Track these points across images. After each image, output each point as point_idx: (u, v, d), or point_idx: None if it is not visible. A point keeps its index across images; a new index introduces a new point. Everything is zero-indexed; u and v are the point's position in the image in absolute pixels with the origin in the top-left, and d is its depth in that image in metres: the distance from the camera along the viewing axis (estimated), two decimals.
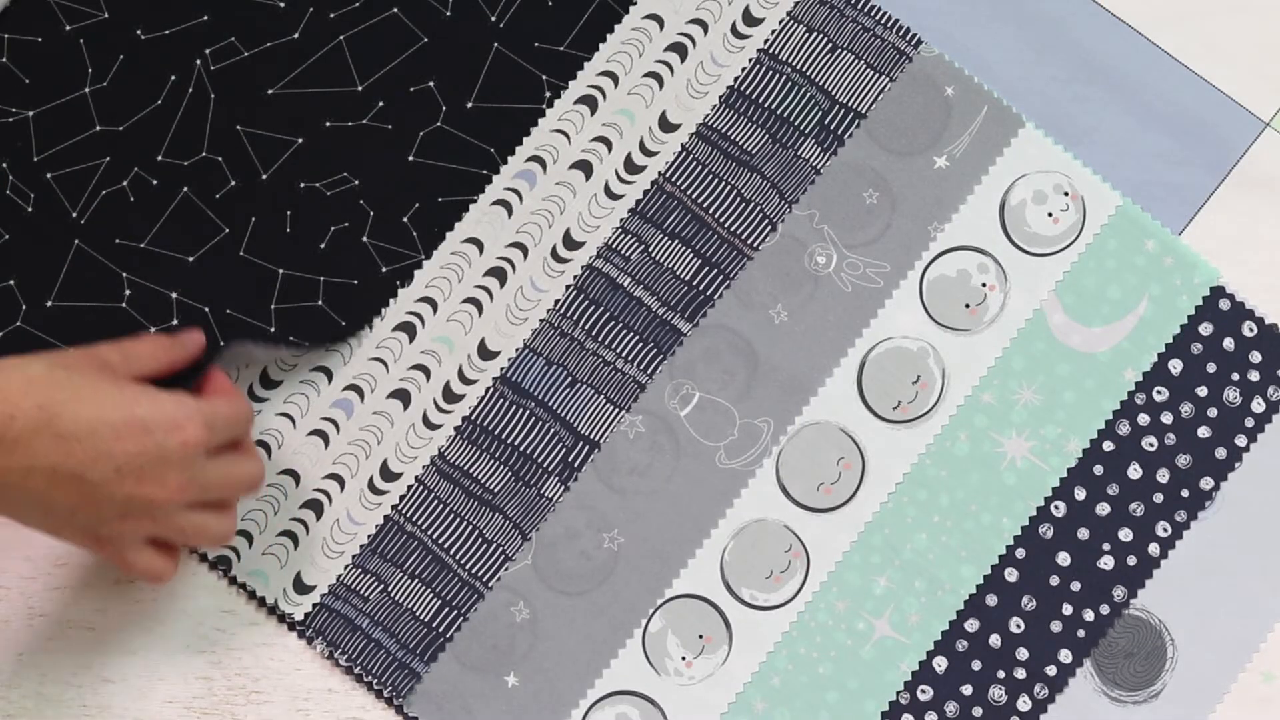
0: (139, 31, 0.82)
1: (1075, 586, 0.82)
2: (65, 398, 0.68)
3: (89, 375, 0.70)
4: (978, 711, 0.81)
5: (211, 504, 0.73)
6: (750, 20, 0.84)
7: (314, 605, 0.81)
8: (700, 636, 0.82)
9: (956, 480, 0.82)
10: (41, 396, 0.67)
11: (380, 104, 0.83)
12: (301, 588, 0.81)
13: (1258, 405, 0.83)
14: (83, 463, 0.68)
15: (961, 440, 0.82)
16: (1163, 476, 0.82)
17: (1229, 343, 0.83)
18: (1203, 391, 0.83)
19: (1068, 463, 0.82)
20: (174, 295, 0.82)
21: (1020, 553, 0.82)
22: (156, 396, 0.70)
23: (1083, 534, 0.82)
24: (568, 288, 0.83)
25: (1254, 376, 0.83)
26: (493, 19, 0.83)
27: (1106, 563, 0.82)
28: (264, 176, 0.82)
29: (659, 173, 0.84)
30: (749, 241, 0.83)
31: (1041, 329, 0.83)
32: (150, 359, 0.74)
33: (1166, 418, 0.83)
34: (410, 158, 0.83)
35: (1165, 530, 0.82)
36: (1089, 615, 0.82)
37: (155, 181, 0.82)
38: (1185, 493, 0.82)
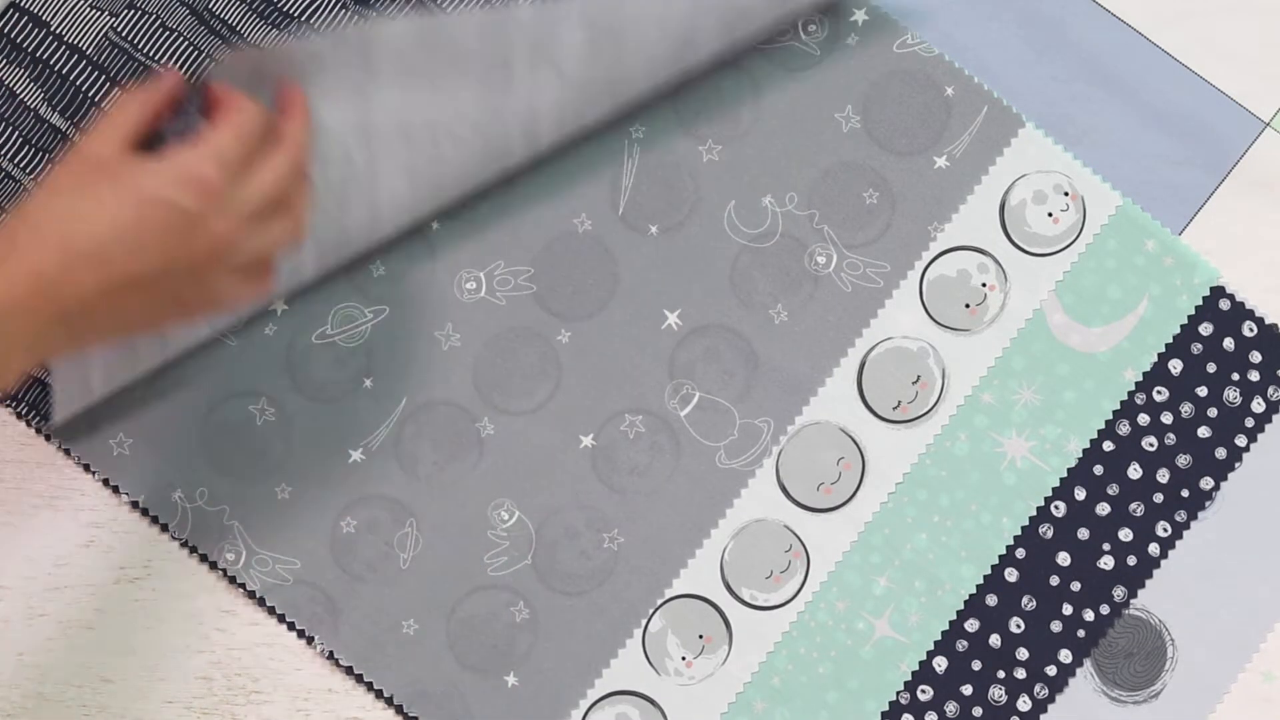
0: None
1: (1075, 586, 0.82)
2: (74, 223, 0.67)
3: (81, 187, 0.68)
4: (978, 711, 0.81)
5: (268, 208, 0.71)
6: None
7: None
8: (700, 636, 0.82)
9: (956, 480, 0.82)
10: (52, 236, 0.67)
11: None
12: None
13: (1258, 405, 0.83)
14: (125, 271, 0.67)
15: (961, 440, 0.82)
16: (1163, 476, 0.82)
17: (1229, 343, 0.83)
18: (1203, 391, 0.83)
19: (1068, 463, 0.82)
20: None
21: (1020, 553, 0.82)
22: (154, 167, 0.69)
23: (1083, 534, 0.82)
24: None
25: (1254, 376, 0.83)
26: None
27: (1106, 563, 0.82)
28: None
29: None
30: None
31: (1041, 329, 0.83)
32: (134, 118, 0.72)
33: (1166, 418, 0.83)
34: None
35: (1165, 530, 0.82)
36: (1089, 615, 0.82)
37: None
38: (1185, 493, 0.82)
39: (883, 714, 0.81)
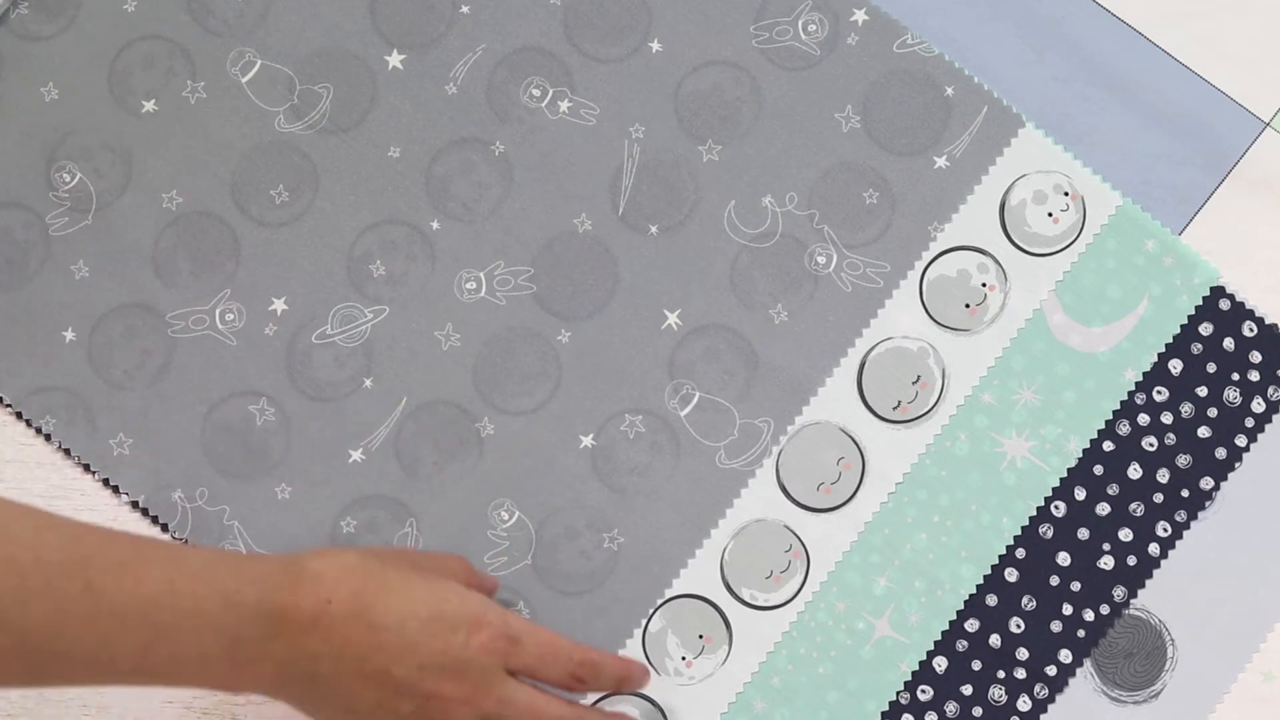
0: None
1: (1075, 586, 0.82)
2: (378, 588, 0.68)
3: (401, 568, 0.70)
4: (978, 711, 0.81)
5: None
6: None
7: None
8: (700, 636, 0.82)
9: (956, 480, 0.82)
10: (357, 584, 0.68)
11: None
12: None
13: (1258, 405, 0.83)
14: (390, 656, 0.68)
15: (961, 440, 0.82)
16: (1163, 476, 0.82)
17: (1229, 343, 0.83)
18: (1203, 391, 0.83)
19: (1068, 463, 0.82)
20: None
21: (1020, 553, 0.82)
22: (465, 594, 0.70)
23: (1083, 534, 0.82)
24: None
25: (1254, 376, 0.83)
26: None
27: (1106, 563, 0.82)
28: None
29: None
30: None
31: (1041, 329, 0.83)
32: (457, 573, 0.75)
33: (1166, 418, 0.83)
34: None
35: (1165, 530, 0.82)
36: (1089, 615, 0.82)
37: None
38: (1185, 493, 0.82)
39: (883, 714, 0.81)
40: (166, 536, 0.82)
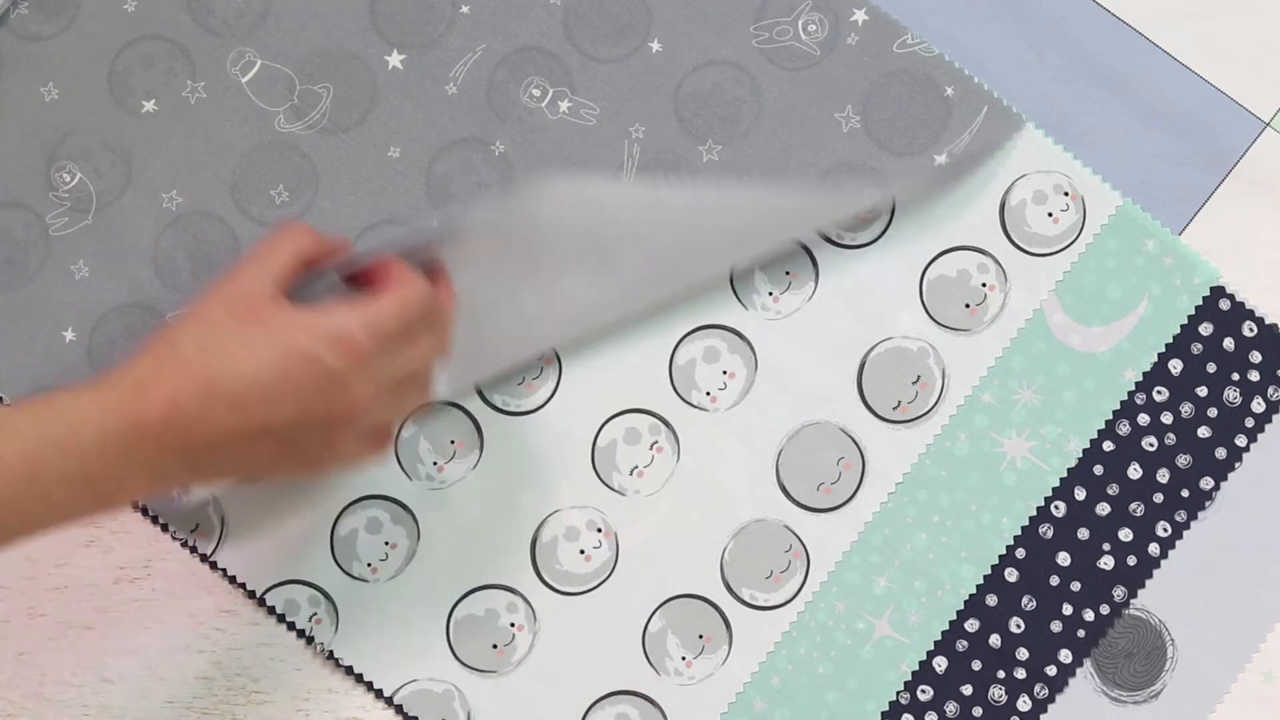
0: None
1: (1075, 586, 0.82)
2: (220, 362, 0.66)
3: (233, 328, 0.67)
4: (978, 711, 0.81)
5: (405, 382, 0.71)
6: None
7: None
8: (700, 636, 0.82)
9: (956, 480, 0.82)
10: (195, 370, 0.66)
11: None
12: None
13: (1258, 405, 0.83)
14: (263, 416, 0.67)
15: (961, 440, 0.82)
16: (1163, 476, 0.82)
17: (1229, 343, 0.83)
18: (1203, 391, 0.83)
19: (1068, 463, 0.82)
20: None
21: (1020, 553, 0.82)
22: (308, 321, 0.68)
23: (1083, 534, 0.82)
24: None
25: (1254, 376, 0.83)
26: None
27: (1106, 563, 0.82)
28: None
29: None
30: None
31: (1041, 329, 0.83)
32: (289, 263, 0.71)
33: (1166, 418, 0.83)
34: None
35: (1165, 530, 0.82)
36: (1089, 615, 0.82)
37: None
38: (1185, 493, 0.82)
39: (883, 714, 0.81)
40: (165, 536, 0.82)
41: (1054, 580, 0.82)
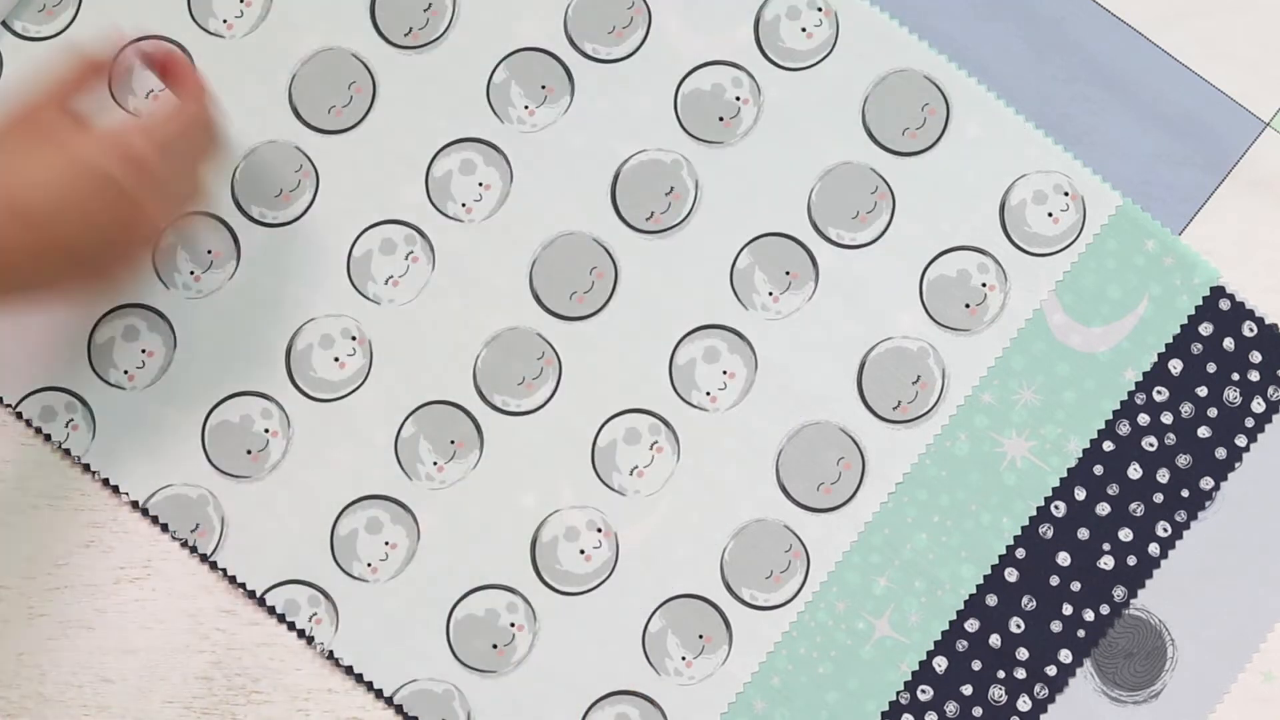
0: None
1: (1075, 586, 0.82)
2: (13, 185, 0.67)
3: (21, 144, 0.69)
4: (978, 711, 0.81)
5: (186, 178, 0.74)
6: None
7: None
8: (700, 636, 0.82)
9: (956, 480, 0.82)
10: None
11: None
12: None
13: (1258, 405, 0.83)
14: (61, 234, 0.68)
15: (961, 440, 0.82)
16: (1163, 476, 0.82)
17: (1229, 343, 0.83)
18: (1203, 391, 0.83)
19: (1068, 463, 0.82)
20: None
21: (1020, 553, 0.82)
22: (91, 134, 0.69)
23: (1083, 534, 0.82)
24: None
25: (1254, 376, 0.83)
26: None
27: (1106, 563, 0.82)
28: None
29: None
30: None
31: (1041, 329, 0.83)
32: (78, 78, 0.73)
33: (1166, 418, 0.83)
34: None
35: (1165, 530, 0.82)
36: (1089, 615, 0.82)
37: None
38: (1185, 493, 0.82)
39: (883, 714, 0.81)
40: (165, 537, 0.82)
41: (1054, 580, 0.82)
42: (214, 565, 0.82)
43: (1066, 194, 0.84)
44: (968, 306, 0.83)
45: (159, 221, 0.71)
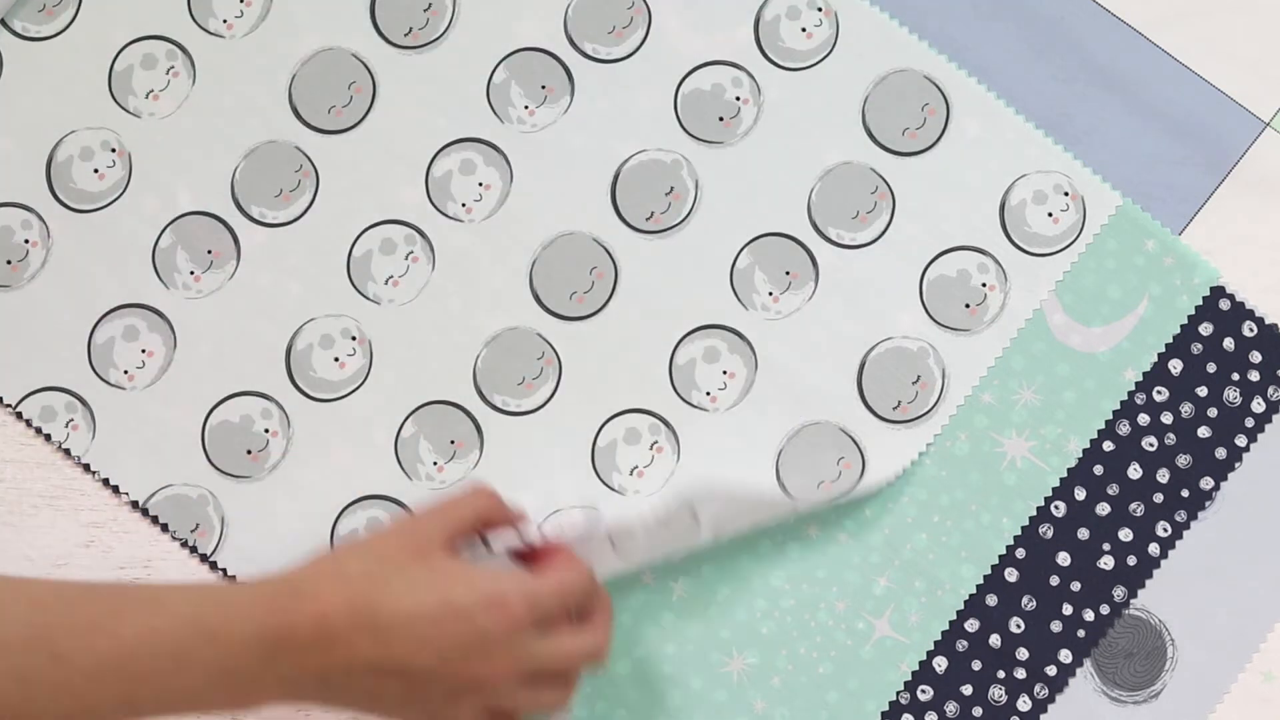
0: None
1: (1075, 586, 0.82)
2: (379, 592, 0.67)
3: (401, 563, 0.68)
4: (978, 711, 0.81)
5: (548, 674, 0.71)
6: None
7: None
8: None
9: (956, 480, 0.82)
10: (354, 593, 0.67)
11: None
12: None
13: (1258, 405, 0.83)
14: (404, 655, 0.67)
15: (961, 440, 0.82)
16: (1163, 476, 0.82)
17: (1229, 343, 0.83)
18: (1203, 391, 0.83)
19: (1068, 462, 0.82)
20: None
21: (1020, 553, 0.82)
22: (473, 577, 0.69)
23: (1083, 534, 0.82)
24: None
25: (1254, 376, 0.83)
26: None
27: (1106, 563, 0.82)
28: None
29: None
30: None
31: (1041, 329, 0.83)
32: (470, 520, 0.72)
33: (1166, 418, 0.83)
34: None
35: (1165, 530, 0.82)
36: (1089, 615, 0.82)
37: None
38: (1185, 493, 0.82)
39: (883, 714, 0.81)
40: (165, 536, 0.82)
41: (1054, 580, 0.82)
42: (214, 565, 0.82)
43: (1066, 194, 0.84)
44: (968, 306, 0.83)
45: (502, 686, 0.68)
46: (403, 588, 0.67)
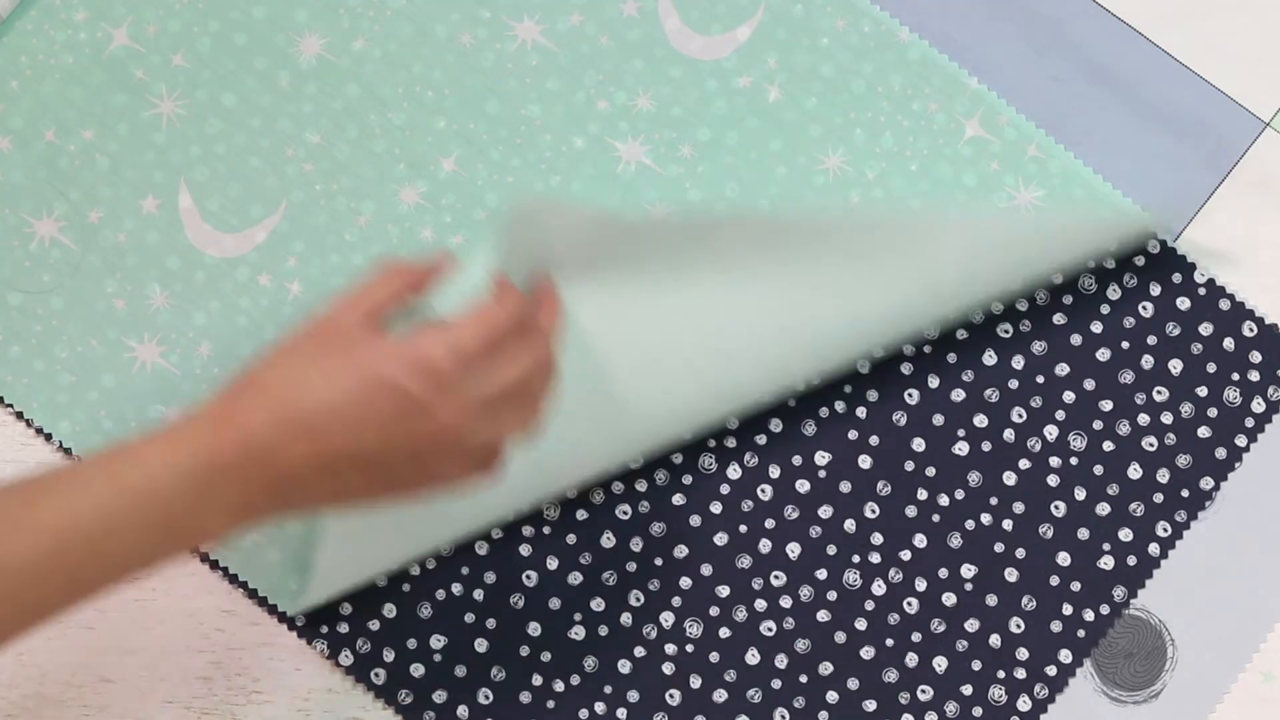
0: None
1: (1075, 586, 0.82)
2: (298, 392, 0.65)
3: (316, 356, 0.66)
4: (978, 711, 0.81)
5: (501, 400, 0.68)
6: None
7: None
8: None
9: None
10: (274, 401, 0.65)
11: None
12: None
13: (1258, 405, 0.83)
14: (344, 444, 0.65)
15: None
16: (1163, 476, 0.82)
17: (1229, 343, 0.83)
18: (1203, 391, 0.83)
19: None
20: None
21: (1020, 553, 0.82)
22: (389, 347, 0.66)
23: (1083, 534, 0.82)
24: None
25: (1254, 376, 0.83)
26: None
27: (1106, 563, 0.82)
28: None
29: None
30: None
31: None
32: (386, 292, 0.70)
33: (1166, 418, 0.83)
34: None
35: (1165, 530, 0.82)
36: (1089, 615, 0.82)
37: None
38: (1185, 493, 0.82)
39: (883, 715, 0.81)
40: None
41: (1054, 580, 0.82)
42: (214, 565, 0.82)
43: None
44: None
45: (462, 429, 0.67)
46: (321, 381, 0.65)
